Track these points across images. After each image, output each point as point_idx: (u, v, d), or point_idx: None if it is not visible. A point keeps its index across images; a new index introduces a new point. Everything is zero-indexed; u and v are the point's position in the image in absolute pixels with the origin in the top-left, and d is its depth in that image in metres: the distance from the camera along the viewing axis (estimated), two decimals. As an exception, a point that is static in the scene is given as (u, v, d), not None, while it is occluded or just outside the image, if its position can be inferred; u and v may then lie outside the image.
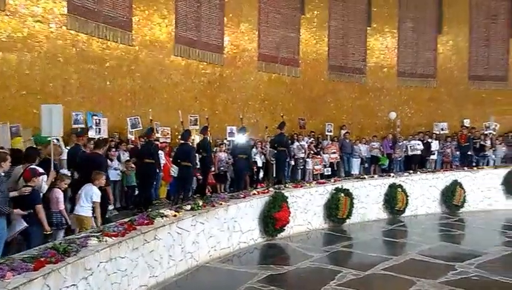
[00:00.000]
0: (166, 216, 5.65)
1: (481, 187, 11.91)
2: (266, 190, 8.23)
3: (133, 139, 9.01)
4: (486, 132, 13.51)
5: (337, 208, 9.08)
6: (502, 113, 14.59)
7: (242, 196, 7.68)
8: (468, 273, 5.80)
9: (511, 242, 8.14)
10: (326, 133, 12.54)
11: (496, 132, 13.84)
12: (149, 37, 10.52)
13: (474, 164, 12.82)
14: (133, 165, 8.11)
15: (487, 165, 12.95)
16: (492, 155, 13.16)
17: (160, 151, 8.48)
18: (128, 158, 8.33)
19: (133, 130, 8.98)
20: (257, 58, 12.30)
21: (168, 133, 10.10)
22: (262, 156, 10.43)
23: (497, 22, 15.16)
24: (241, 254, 6.93)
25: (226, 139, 10.63)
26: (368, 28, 14.11)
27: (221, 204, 6.91)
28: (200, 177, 9.03)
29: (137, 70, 10.33)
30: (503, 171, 12.17)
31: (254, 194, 7.90)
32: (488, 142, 13.16)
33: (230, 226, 6.98)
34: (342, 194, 9.24)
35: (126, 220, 5.30)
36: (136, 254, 4.77)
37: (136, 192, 8.23)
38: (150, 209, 6.64)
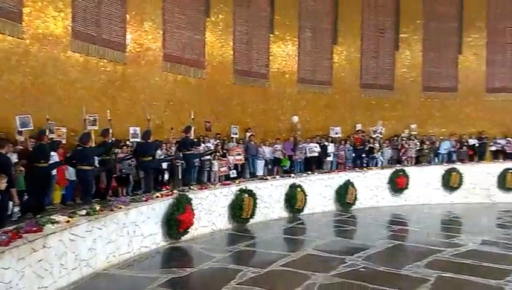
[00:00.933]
0: (58, 222, 5.32)
1: (370, 186, 13.05)
2: (170, 193, 8.15)
3: (22, 139, 8.32)
4: (374, 136, 14.83)
5: (241, 209, 9.30)
6: (388, 119, 16.13)
7: (144, 199, 7.51)
8: (357, 266, 6.33)
9: (394, 235, 9.05)
10: (232, 135, 12.75)
11: (383, 135, 15.28)
12: (42, 30, 9.77)
13: (364, 165, 13.98)
14: (22, 168, 7.48)
15: (375, 166, 14.18)
16: (380, 157, 14.45)
17: (53, 153, 7.93)
18: (16, 160, 7.66)
19: (23, 129, 8.29)
20: (162, 58, 12.09)
21: (63, 133, 9.46)
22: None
23: (385, 36, 16.74)
24: (142, 259, 6.77)
25: (128, 140, 10.28)
26: (271, 35, 14.65)
27: (120, 208, 6.69)
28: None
29: (28, 65, 9.53)
30: (388, 172, 13.48)
31: (157, 197, 7.77)
32: (377, 145, 14.45)
33: (130, 230, 6.78)
34: (246, 195, 9.49)
35: (11, 228, 4.89)
36: (22, 264, 4.42)
37: (26, 197, 7.60)
38: (39, 216, 6.18)
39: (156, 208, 7.44)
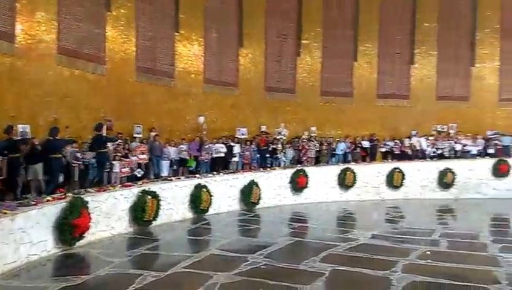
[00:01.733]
0: None
1: (273, 185, 13.49)
2: (63, 196, 7.59)
3: None
4: (278, 137, 15.35)
5: (143, 211, 9.01)
6: (290, 121, 16.80)
7: (33, 203, 6.90)
8: (258, 263, 6.47)
9: (294, 232, 9.46)
10: (135, 135, 12.28)
11: (286, 137, 15.88)
12: None
13: (268, 165, 14.39)
14: None
15: (278, 166, 14.69)
16: (283, 157, 14.99)
17: None
18: None
19: None
20: (56, 51, 11.19)
21: None
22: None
23: (287, 41, 17.42)
24: (31, 267, 6.22)
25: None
26: (176, 33, 14.37)
27: (5, 213, 6.07)
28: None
29: None
30: (290, 172, 14.06)
31: (48, 200, 7.19)
32: (279, 146, 14.97)
33: (17, 237, 6.19)
34: (149, 197, 9.22)
35: None
36: None
37: None
38: None
39: (47, 212, 6.88)
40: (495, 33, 18.94)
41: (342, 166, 15.23)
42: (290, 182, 13.86)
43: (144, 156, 11.51)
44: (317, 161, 15.65)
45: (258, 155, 14.43)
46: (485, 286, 5.30)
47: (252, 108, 16.34)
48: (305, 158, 15.35)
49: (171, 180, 10.78)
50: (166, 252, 7.56)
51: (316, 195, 14.34)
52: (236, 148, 13.97)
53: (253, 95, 16.46)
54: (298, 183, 13.91)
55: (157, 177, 11.65)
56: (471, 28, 19.01)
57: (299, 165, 14.77)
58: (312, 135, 16.55)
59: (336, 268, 6.16)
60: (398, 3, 18.75)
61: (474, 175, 16.15)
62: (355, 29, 18.24)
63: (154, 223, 9.30)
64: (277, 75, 17.15)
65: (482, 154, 16.97)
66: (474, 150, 16.96)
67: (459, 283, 5.49)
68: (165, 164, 12.23)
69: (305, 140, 15.84)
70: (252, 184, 12.51)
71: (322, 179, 14.62)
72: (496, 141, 17.14)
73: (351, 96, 18.27)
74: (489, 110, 18.91)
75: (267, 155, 14.55)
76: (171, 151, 12.48)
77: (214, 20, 15.33)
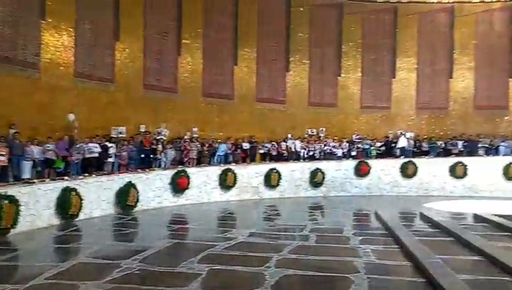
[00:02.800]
0: None
1: (152, 187, 13.09)
2: None
3: None
4: (158, 137, 14.94)
5: (-2, 218, 7.97)
6: (171, 121, 16.50)
7: None
8: (132, 269, 6.15)
9: (174, 234, 9.29)
10: (-11, 131, 10.83)
11: (166, 137, 15.54)
12: None
13: (147, 166, 13.91)
14: None
15: (159, 167, 14.31)
16: (164, 158, 14.64)
17: None
18: None
19: None
20: None
21: None
22: None
23: (168, 39, 17.09)
24: None
25: None
26: (43, 21, 13.06)
27: None
28: None
29: None
30: (171, 173, 13.78)
31: None
32: (160, 146, 14.59)
33: None
34: (6, 202, 8.19)
35: None
36: None
37: None
38: None
39: None
40: (358, 46, 21.08)
41: (223, 167, 15.45)
42: (171, 183, 13.60)
43: (3, 158, 10.13)
44: (199, 162, 15.63)
45: (143, 156, 13.89)
46: (347, 275, 5.80)
47: (130, 106, 15.65)
48: (186, 159, 15.21)
49: (33, 183, 9.73)
50: (27, 262, 6.78)
51: (197, 196, 14.32)
52: (112, 149, 13.22)
53: (131, 93, 15.78)
54: (179, 185, 13.72)
55: (17, 179, 10.41)
56: (337, 40, 20.87)
57: (180, 166, 14.57)
58: (194, 135, 16.49)
59: (213, 268, 6.17)
60: (274, 13, 19.76)
61: (340, 175, 17.74)
62: (235, 33, 18.68)
63: (12, 231, 8.30)
64: (157, 73, 16.71)
65: (347, 156, 18.71)
66: (339, 152, 18.61)
67: (325, 274, 5.93)
68: (26, 165, 10.98)
69: (187, 140, 15.69)
70: (129, 186, 11.96)
71: (204, 180, 14.64)
72: (359, 145, 19.06)
73: (232, 98, 18.68)
74: (353, 116, 20.98)
75: (145, 155, 14.05)
76: (35, 151, 11.25)
77: (87, 10, 14.28)
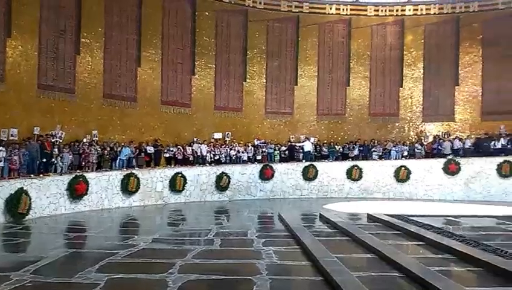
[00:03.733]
0: None
1: (47, 193, 12.14)
2: None
3: None
4: (53, 140, 13.90)
5: None
6: (69, 123, 15.47)
7: None
8: (23, 281, 5.65)
9: (70, 243, 8.69)
10: None
11: (63, 140, 14.51)
12: None
13: (42, 171, 12.88)
14: None
15: (54, 171, 13.31)
16: (60, 162, 13.65)
17: None
18: None
19: None
20: None
21: None
22: None
23: (66, 38, 15.99)
24: None
25: None
26: None
27: None
28: None
29: None
30: (68, 178, 12.89)
31: None
32: (56, 150, 13.58)
33: None
34: None
35: None
36: None
37: None
38: None
39: None
40: (262, 53, 21.72)
41: (126, 171, 14.86)
42: (68, 189, 12.73)
43: None
44: (100, 166, 14.85)
45: (44, 160, 12.90)
46: (250, 277, 5.92)
47: (23, 107, 14.40)
48: (85, 163, 14.36)
49: None
50: None
51: (97, 202, 13.61)
52: (2, 153, 11.99)
53: (24, 93, 14.54)
54: (77, 190, 12.92)
55: None
56: (243, 46, 21.31)
57: (78, 171, 13.71)
58: (94, 138, 15.61)
59: (113, 277, 5.90)
60: (180, 15, 19.57)
61: (245, 179, 18.09)
62: (138, 34, 18.12)
63: None
64: (53, 73, 15.55)
65: (252, 160, 19.14)
66: (245, 156, 18.98)
67: (229, 277, 5.99)
68: None
69: (86, 144, 14.81)
70: (21, 192, 10.95)
71: (104, 185, 13.95)
72: (264, 149, 19.60)
73: (135, 100, 18.05)
74: (258, 121, 21.54)
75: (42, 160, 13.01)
76: None
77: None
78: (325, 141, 21.28)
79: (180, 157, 17.37)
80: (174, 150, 17.36)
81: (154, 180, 15.52)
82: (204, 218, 12.72)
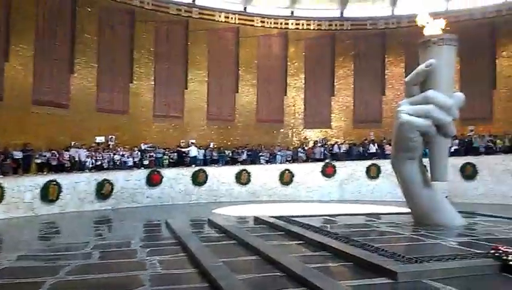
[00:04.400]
0: None
1: None
2: None
3: None
4: None
5: None
6: None
7: None
8: None
9: None
10: None
11: None
12: None
13: None
14: None
15: None
16: None
17: None
18: None
19: None
20: None
21: None
22: None
23: None
24: None
25: None
26: None
27: None
28: None
29: None
30: None
31: None
32: None
33: None
34: None
35: None
36: None
37: None
38: None
39: None
40: (150, 55, 21.07)
41: (-14, 180, 13.08)
42: None
43: None
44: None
45: None
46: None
47: None
48: None
49: None
50: None
51: None
52: None
53: None
54: None
55: None
56: (129, 46, 20.42)
57: None
58: None
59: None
60: (58, 9, 18.06)
61: (131, 185, 17.25)
62: (6, 25, 16.22)
63: None
64: None
65: (138, 165, 18.35)
66: (130, 162, 18.12)
67: (109, 292, 5.54)
68: None
69: None
70: None
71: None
72: (152, 153, 18.95)
73: (1, 99, 16.07)
74: (146, 124, 20.77)
75: None
76: None
77: None
78: (215, 146, 21.34)
79: (54, 163, 15.86)
80: (48, 155, 15.79)
81: (22, 189, 13.89)
82: (82, 230, 11.72)
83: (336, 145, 21.82)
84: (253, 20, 23.51)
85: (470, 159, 19.04)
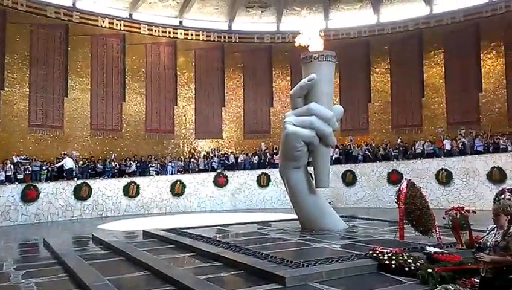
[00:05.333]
0: None
1: None
2: None
3: None
4: None
5: None
6: None
7: None
8: None
9: None
10: None
11: None
12: None
13: None
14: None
15: None
16: None
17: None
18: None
19: None
20: None
21: None
22: None
23: None
24: None
25: None
26: None
27: None
28: None
29: None
30: None
31: None
32: None
33: None
34: None
35: None
36: None
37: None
38: None
39: None
40: (25, 59, 19.26)
41: None
42: None
43: None
44: None
45: None
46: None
47: None
48: None
49: None
50: None
51: None
52: None
53: None
54: None
55: None
56: (0, 50, 18.47)
57: None
58: None
59: None
60: None
61: (3, 202, 15.55)
62: None
63: None
64: None
65: (12, 179, 16.61)
66: (2, 176, 16.34)
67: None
68: None
69: None
70: None
71: None
72: (27, 166, 17.26)
73: None
74: (20, 135, 18.87)
75: None
76: None
77: None
78: (100, 157, 20.16)
79: None
80: None
81: None
82: None
83: (232, 155, 22.14)
84: (139, 28, 22.85)
85: (350, 166, 20.80)
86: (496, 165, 17.04)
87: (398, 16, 23.81)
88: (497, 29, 20.82)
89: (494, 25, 20.86)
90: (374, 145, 21.72)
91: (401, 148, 20.86)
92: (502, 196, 7.36)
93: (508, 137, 18.22)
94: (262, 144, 22.90)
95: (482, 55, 21.36)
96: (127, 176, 19.63)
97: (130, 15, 22.85)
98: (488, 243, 3.92)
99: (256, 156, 22.11)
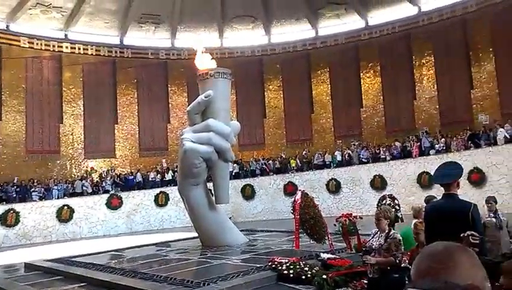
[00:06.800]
0: None
1: None
2: None
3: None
4: None
5: None
6: None
7: None
8: None
9: None
10: None
11: None
12: None
13: None
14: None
15: None
16: None
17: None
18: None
19: None
20: None
21: None
22: None
23: None
24: None
25: None
26: None
27: None
28: None
29: None
30: None
31: None
32: None
33: None
34: None
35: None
36: None
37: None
38: None
39: None
40: None
41: None
42: None
43: None
44: None
45: None
46: None
47: None
48: None
49: None
50: None
51: None
52: None
53: None
54: None
55: None
56: None
57: None
58: None
59: None
60: None
61: None
62: None
63: None
64: None
65: None
66: None
67: None
68: None
69: None
70: None
71: None
72: None
73: None
74: None
75: None
76: None
77: None
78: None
79: None
80: None
81: None
82: None
83: (138, 174, 21.07)
84: (19, 40, 20.88)
85: (248, 181, 21.15)
86: (377, 174, 18.72)
87: (286, 37, 25.15)
88: (374, 51, 23.12)
89: (371, 47, 23.14)
90: (271, 158, 22.54)
91: (304, 160, 21.87)
92: (384, 202, 8.01)
93: (386, 148, 20.17)
94: (163, 160, 22.23)
95: (361, 74, 23.51)
96: (4, 203, 17.54)
97: (7, 26, 20.76)
98: (374, 246, 4.22)
99: (159, 174, 21.36)
